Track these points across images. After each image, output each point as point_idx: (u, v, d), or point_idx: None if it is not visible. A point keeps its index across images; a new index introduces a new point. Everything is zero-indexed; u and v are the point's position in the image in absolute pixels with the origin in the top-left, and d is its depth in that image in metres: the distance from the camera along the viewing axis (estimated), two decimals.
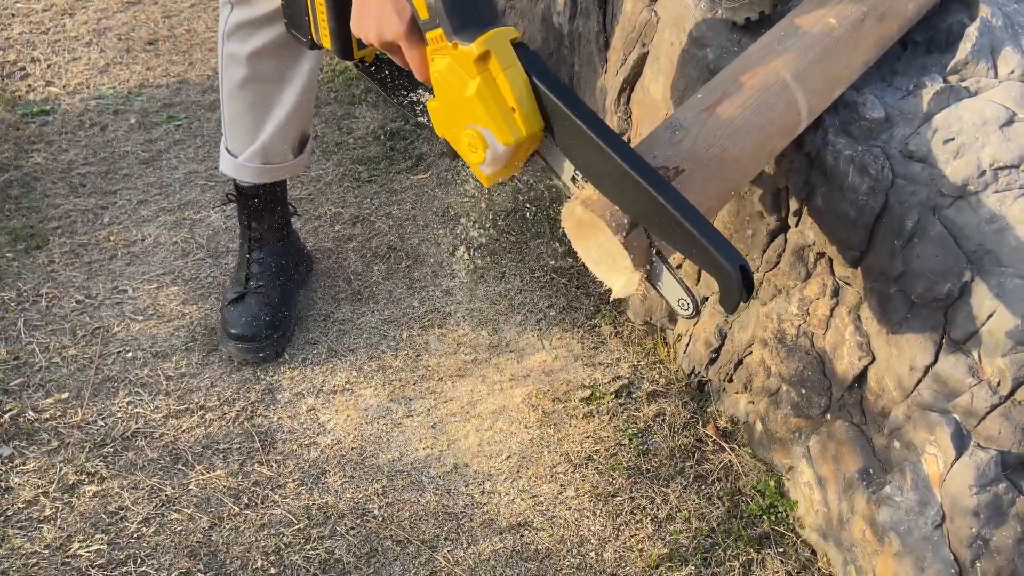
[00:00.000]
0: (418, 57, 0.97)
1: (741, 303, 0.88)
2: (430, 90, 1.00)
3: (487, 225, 2.01)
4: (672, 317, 1.67)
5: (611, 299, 1.38)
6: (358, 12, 1.00)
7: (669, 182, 0.94)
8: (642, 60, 1.53)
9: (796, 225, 1.29)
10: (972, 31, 1.19)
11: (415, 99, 1.14)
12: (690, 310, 0.97)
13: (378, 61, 1.16)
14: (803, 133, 1.17)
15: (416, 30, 0.96)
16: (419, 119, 1.11)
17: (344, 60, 1.13)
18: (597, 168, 0.94)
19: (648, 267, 0.99)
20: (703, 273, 1.53)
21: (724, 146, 1.03)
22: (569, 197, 1.02)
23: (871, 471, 1.24)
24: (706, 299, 1.54)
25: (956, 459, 1.10)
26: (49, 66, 2.58)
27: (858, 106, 1.18)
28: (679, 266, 1.52)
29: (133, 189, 2.10)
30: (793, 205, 1.27)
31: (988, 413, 1.07)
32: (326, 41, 1.13)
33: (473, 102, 0.93)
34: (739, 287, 0.87)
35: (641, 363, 1.69)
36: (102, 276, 1.84)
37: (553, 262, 1.90)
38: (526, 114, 0.93)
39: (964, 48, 1.19)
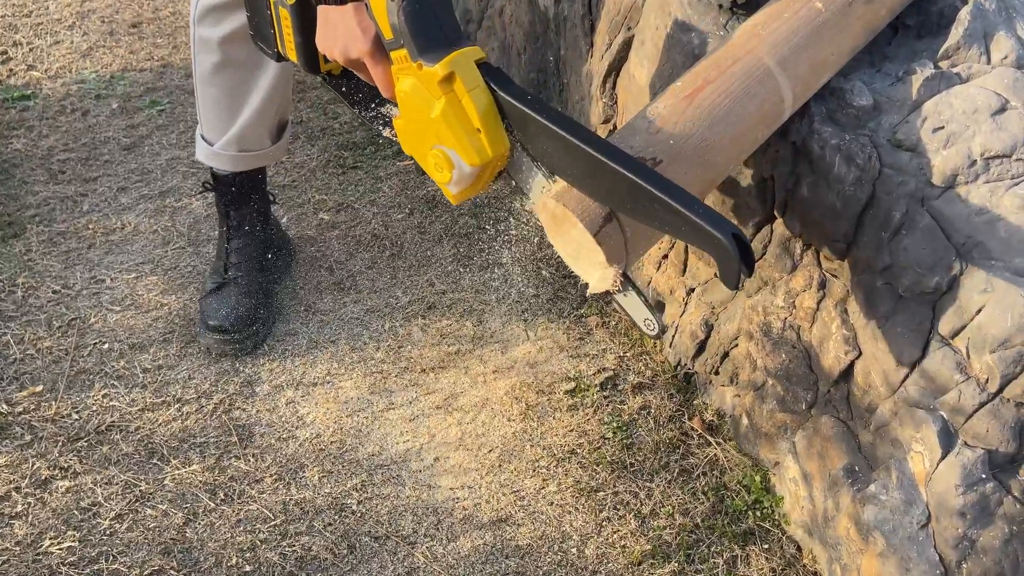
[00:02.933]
0: (383, 75, 0.97)
1: (742, 276, 0.83)
2: (396, 104, 0.99)
3: (473, 213, 1.97)
4: (659, 308, 1.64)
5: (587, 294, 1.35)
6: (323, 30, 1.00)
7: (646, 164, 0.91)
8: (627, 44, 1.49)
9: (782, 216, 1.25)
10: (964, 15, 1.15)
11: (383, 113, 1.13)
12: (655, 330, 0.98)
13: (345, 74, 1.15)
14: (789, 121, 1.14)
15: (381, 49, 0.95)
16: (385, 134, 1.11)
17: (311, 74, 1.12)
18: (573, 165, 0.92)
19: (623, 263, 0.96)
20: (688, 261, 1.49)
21: (704, 136, 1.00)
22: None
23: (856, 468, 1.21)
24: (692, 290, 1.51)
25: (942, 458, 1.07)
26: (31, 50, 2.53)
27: (845, 93, 1.14)
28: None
29: (114, 176, 2.06)
30: (779, 195, 1.23)
31: (976, 411, 1.04)
32: (292, 55, 1.12)
33: (438, 123, 0.93)
34: (735, 257, 0.83)
35: (627, 354, 1.66)
36: (80, 265, 1.81)
37: (540, 251, 1.87)
38: (491, 135, 0.93)
39: (956, 32, 1.15)
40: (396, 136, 1.02)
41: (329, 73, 1.14)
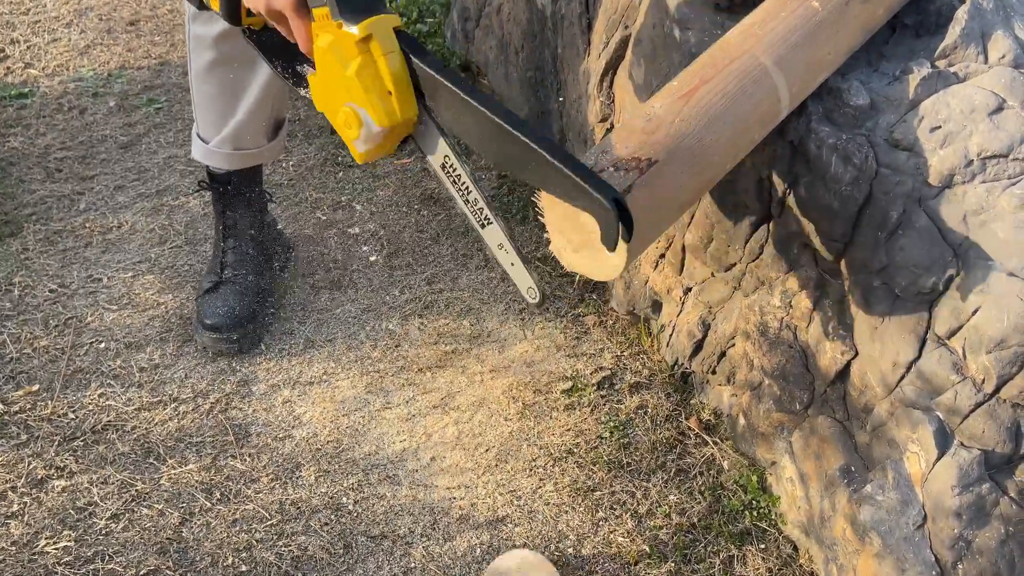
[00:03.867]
0: (303, 31, 0.99)
1: (621, 240, 0.87)
2: (312, 64, 1.03)
3: None
4: (656, 307, 1.63)
5: (593, 282, 1.35)
6: None
7: (539, 130, 0.95)
8: (625, 43, 1.48)
9: (779, 215, 1.25)
10: (962, 14, 1.15)
11: (299, 72, 1.15)
12: (538, 298, 1.02)
13: (265, 31, 1.16)
14: (786, 120, 1.13)
15: (304, 5, 0.98)
16: (301, 93, 1.13)
17: (232, 25, 1.14)
18: (473, 128, 0.96)
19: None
20: (685, 261, 1.49)
21: (700, 136, 0.99)
22: (437, 180, 1.03)
23: (853, 469, 1.21)
24: (689, 289, 1.51)
25: (939, 458, 1.07)
26: (29, 47, 2.53)
27: (842, 92, 1.13)
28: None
29: (111, 174, 2.06)
30: (776, 195, 1.23)
31: (972, 411, 1.04)
32: (215, 3, 1.14)
33: (352, 81, 0.96)
34: (615, 221, 0.86)
35: (624, 353, 1.66)
36: (77, 264, 1.80)
37: (538, 249, 1.87)
38: (402, 99, 0.97)
39: (953, 32, 1.15)
40: (309, 94, 1.06)
41: (250, 28, 1.15)
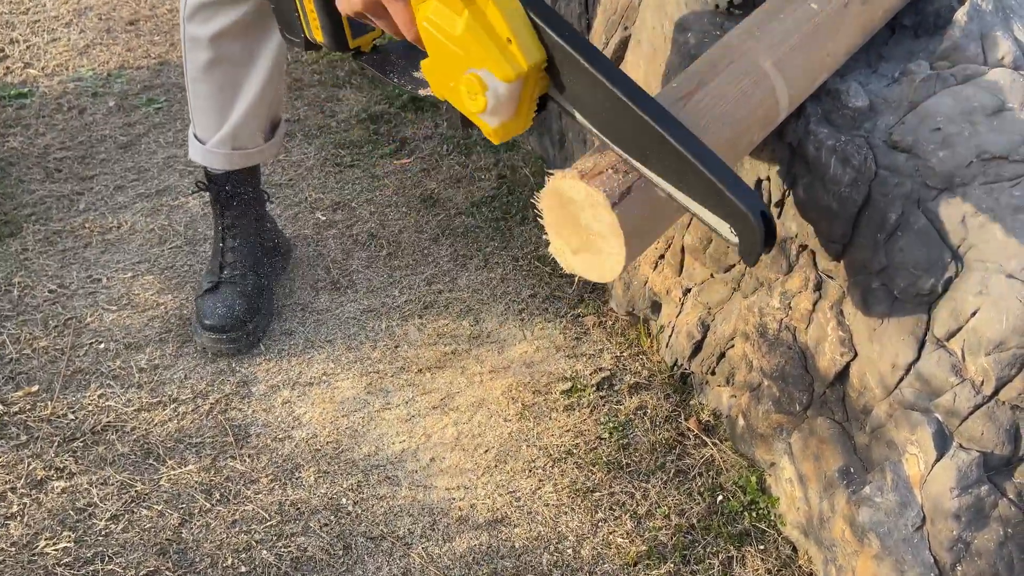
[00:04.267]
0: (402, 9, 0.91)
1: (763, 255, 0.82)
2: (424, 53, 0.93)
3: (470, 211, 1.97)
4: (655, 308, 1.63)
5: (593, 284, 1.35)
6: None
7: (679, 121, 0.85)
8: (624, 44, 1.48)
9: (778, 217, 1.25)
10: (961, 16, 1.15)
11: (416, 78, 1.07)
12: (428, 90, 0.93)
13: (375, 49, 1.12)
14: (785, 122, 1.13)
15: None
16: (422, 94, 1.04)
17: (340, 52, 1.10)
18: (600, 107, 0.86)
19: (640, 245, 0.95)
20: (684, 262, 1.49)
21: (699, 138, 0.99)
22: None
23: (852, 470, 1.21)
24: (688, 290, 1.50)
25: (937, 460, 1.07)
26: (28, 47, 2.53)
27: (841, 94, 1.13)
28: None
29: (110, 174, 2.06)
30: (775, 196, 1.23)
31: (971, 413, 1.04)
32: (319, 35, 1.09)
33: (465, 40, 0.85)
34: (760, 237, 0.80)
35: (624, 354, 1.66)
36: (76, 264, 1.80)
37: (537, 249, 1.87)
38: (525, 44, 0.84)
39: (953, 33, 1.15)
40: (431, 90, 0.95)
41: (359, 50, 1.11)
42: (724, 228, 0.87)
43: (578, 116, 0.91)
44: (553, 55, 0.85)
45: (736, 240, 0.86)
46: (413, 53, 1.02)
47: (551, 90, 0.90)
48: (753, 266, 0.82)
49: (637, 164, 0.90)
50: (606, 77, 0.83)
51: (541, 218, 1.02)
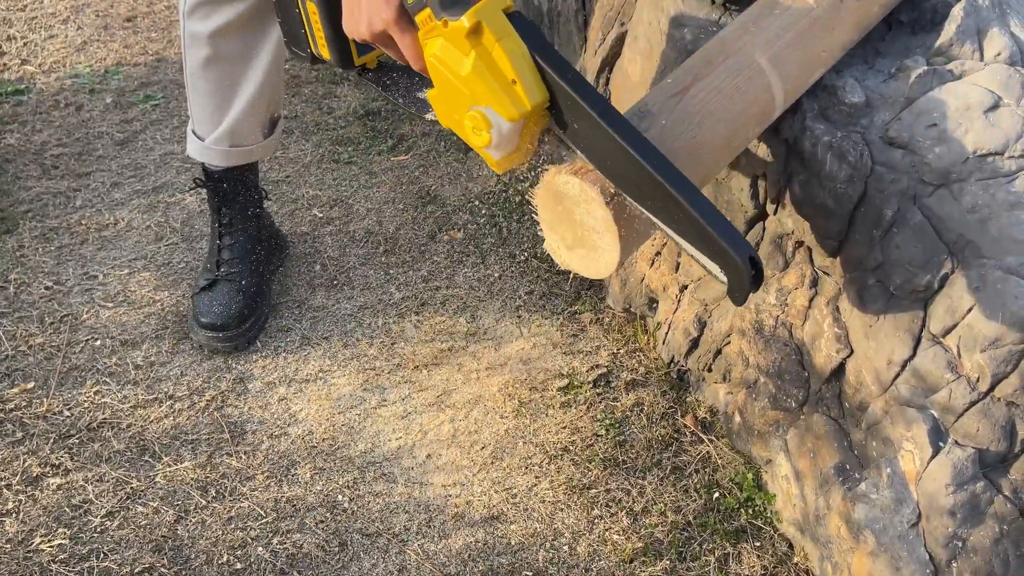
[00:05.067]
0: (411, 43, 0.93)
1: (751, 295, 0.87)
2: (430, 82, 0.95)
3: (467, 208, 1.97)
4: (652, 305, 1.63)
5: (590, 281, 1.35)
6: (347, 9, 0.98)
7: (673, 165, 0.88)
8: (621, 40, 1.48)
9: (774, 213, 1.24)
10: (957, 11, 1.14)
11: (421, 99, 1.09)
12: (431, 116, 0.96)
13: (380, 67, 1.13)
14: (781, 118, 1.13)
15: (405, 14, 0.92)
16: (427, 118, 1.06)
17: (346, 70, 1.10)
18: (599, 148, 0.89)
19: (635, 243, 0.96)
20: (681, 258, 1.49)
21: (694, 134, 0.99)
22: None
23: (848, 467, 1.21)
24: (685, 287, 1.50)
25: (933, 456, 1.07)
26: (25, 44, 2.52)
27: (837, 90, 1.13)
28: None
29: (107, 171, 2.05)
30: (771, 192, 1.23)
31: (966, 410, 1.04)
32: (325, 52, 1.10)
33: (471, 80, 0.87)
34: (748, 281, 0.85)
35: (621, 351, 1.65)
36: (72, 261, 1.80)
37: (534, 246, 1.86)
38: (528, 85, 0.87)
39: (949, 29, 1.15)
40: (436, 117, 0.98)
41: (364, 68, 1.11)
42: (715, 268, 0.91)
43: (579, 153, 0.94)
44: (555, 95, 0.89)
45: (725, 280, 0.90)
46: (418, 74, 1.03)
47: (553, 126, 0.93)
48: (741, 306, 0.86)
49: (632, 202, 0.93)
50: (605, 120, 0.87)
51: (536, 214, 1.02)
